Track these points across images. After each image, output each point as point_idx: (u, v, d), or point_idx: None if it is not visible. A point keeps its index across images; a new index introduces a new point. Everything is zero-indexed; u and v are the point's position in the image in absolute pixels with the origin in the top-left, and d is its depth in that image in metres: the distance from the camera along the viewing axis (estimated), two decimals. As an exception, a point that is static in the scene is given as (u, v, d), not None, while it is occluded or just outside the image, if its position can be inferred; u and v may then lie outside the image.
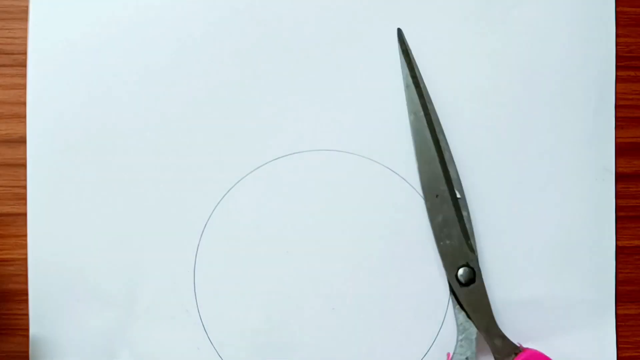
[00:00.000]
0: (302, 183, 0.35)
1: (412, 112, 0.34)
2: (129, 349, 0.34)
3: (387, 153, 0.35)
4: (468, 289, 0.33)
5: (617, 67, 0.36)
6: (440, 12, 0.35)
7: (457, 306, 0.34)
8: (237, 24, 0.35)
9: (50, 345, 0.34)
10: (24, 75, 0.35)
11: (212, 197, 0.35)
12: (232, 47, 0.35)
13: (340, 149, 0.35)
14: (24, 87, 0.35)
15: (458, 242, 0.33)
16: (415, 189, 0.35)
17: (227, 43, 0.35)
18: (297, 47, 0.35)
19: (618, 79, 0.36)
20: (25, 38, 0.35)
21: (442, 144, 0.34)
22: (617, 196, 0.36)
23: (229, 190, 0.35)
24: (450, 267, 0.33)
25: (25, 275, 0.34)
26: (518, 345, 0.33)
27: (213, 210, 0.35)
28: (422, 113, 0.34)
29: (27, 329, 0.34)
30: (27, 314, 0.34)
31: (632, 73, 0.36)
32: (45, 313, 0.34)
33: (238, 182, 0.35)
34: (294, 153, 0.35)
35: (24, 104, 0.35)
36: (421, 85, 0.34)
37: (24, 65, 0.35)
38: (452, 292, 0.34)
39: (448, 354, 0.34)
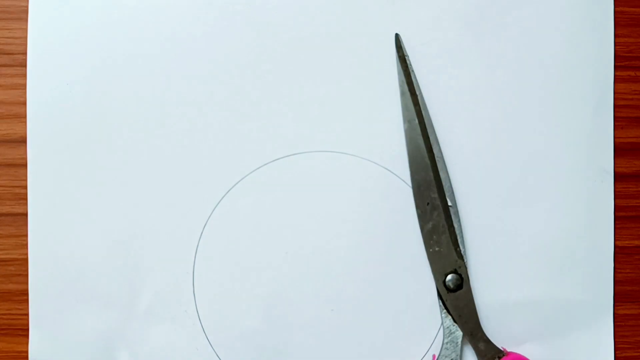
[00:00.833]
0: (300, 184, 0.35)
1: (406, 120, 0.34)
2: (128, 350, 0.34)
3: (387, 155, 0.35)
4: (455, 295, 0.34)
5: (617, 67, 0.36)
6: (438, 16, 0.35)
7: (444, 310, 0.34)
8: (236, 26, 0.35)
9: (50, 345, 0.34)
10: (24, 75, 0.35)
11: (211, 198, 0.35)
12: (231, 49, 0.35)
13: (338, 150, 0.35)
14: (23, 87, 0.35)
15: (447, 249, 0.34)
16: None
17: (226, 45, 0.35)
18: (296, 49, 0.35)
19: (618, 79, 0.36)
20: (25, 38, 0.35)
21: (435, 152, 0.34)
22: (616, 196, 0.36)
23: (228, 192, 0.35)
24: (438, 273, 0.34)
25: (26, 275, 0.34)
26: (502, 349, 0.33)
27: (212, 212, 0.35)
28: (416, 121, 0.34)
29: (27, 329, 0.34)
30: (27, 314, 0.34)
31: (632, 73, 0.36)
32: (46, 313, 0.34)
33: (237, 183, 0.35)
34: (293, 154, 0.35)
35: (24, 104, 0.35)
36: (417, 93, 0.34)
37: (23, 65, 0.35)
38: (440, 297, 0.34)
39: (434, 356, 0.34)
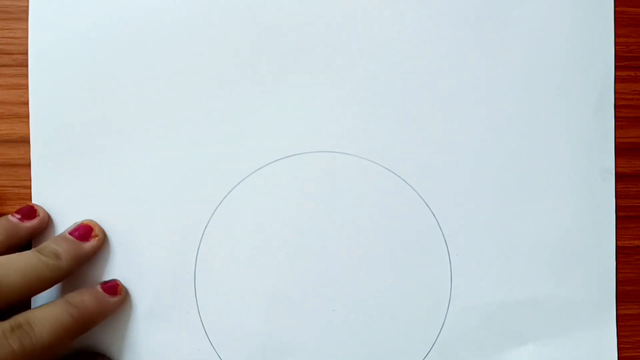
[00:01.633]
0: (301, 185, 0.35)
1: None
2: (130, 350, 0.34)
3: (387, 155, 0.35)
4: None
5: (617, 67, 0.36)
6: (441, 14, 0.35)
7: None
8: (237, 26, 0.35)
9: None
10: (25, 75, 0.35)
11: (212, 199, 0.35)
12: (232, 50, 0.35)
13: (340, 151, 0.35)
14: (24, 87, 0.35)
15: None
16: (415, 191, 0.35)
17: (227, 46, 0.35)
18: (297, 50, 0.35)
19: (618, 79, 0.36)
20: (25, 38, 0.35)
21: None
22: (617, 196, 0.36)
23: (229, 192, 0.35)
24: None
25: (26, 276, 0.34)
26: None
27: (214, 212, 0.35)
28: None
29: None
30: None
31: (632, 73, 0.36)
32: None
33: (238, 184, 0.35)
34: (295, 155, 0.35)
35: (25, 103, 0.35)
36: None
37: (24, 65, 0.35)
38: None
39: None
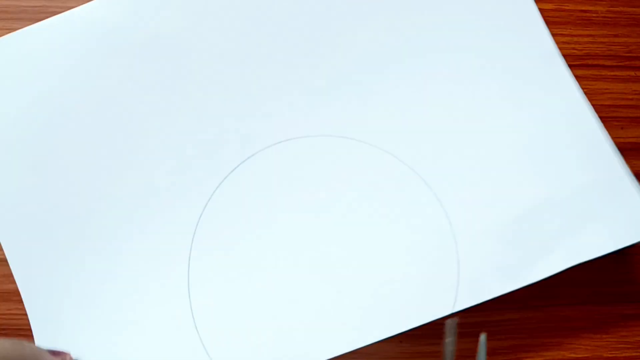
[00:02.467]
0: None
1: None
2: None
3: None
4: None
5: (617, 67, 0.36)
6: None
7: None
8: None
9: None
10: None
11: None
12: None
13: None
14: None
15: None
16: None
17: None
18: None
19: (618, 79, 0.36)
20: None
21: None
22: (617, 196, 0.36)
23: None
24: None
25: (26, 275, 0.34)
26: None
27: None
28: None
29: (27, 329, 0.34)
30: (27, 314, 0.34)
31: (632, 73, 0.36)
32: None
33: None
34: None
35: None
36: None
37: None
38: None
39: None
